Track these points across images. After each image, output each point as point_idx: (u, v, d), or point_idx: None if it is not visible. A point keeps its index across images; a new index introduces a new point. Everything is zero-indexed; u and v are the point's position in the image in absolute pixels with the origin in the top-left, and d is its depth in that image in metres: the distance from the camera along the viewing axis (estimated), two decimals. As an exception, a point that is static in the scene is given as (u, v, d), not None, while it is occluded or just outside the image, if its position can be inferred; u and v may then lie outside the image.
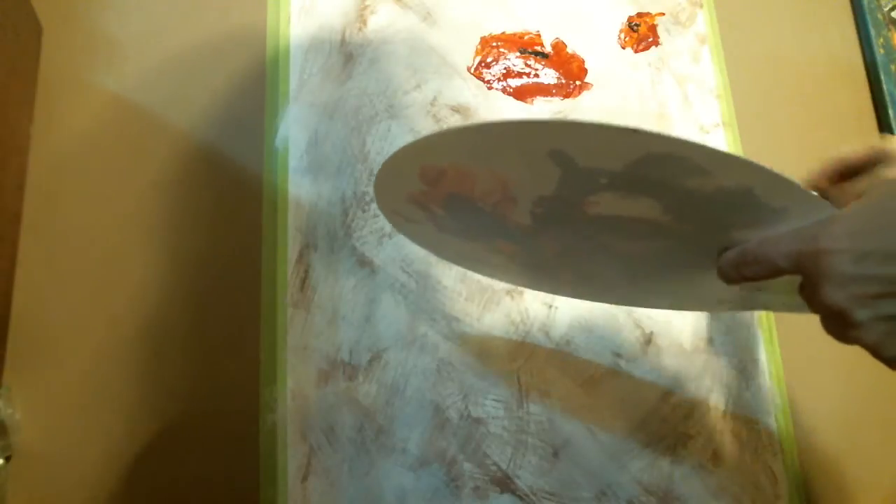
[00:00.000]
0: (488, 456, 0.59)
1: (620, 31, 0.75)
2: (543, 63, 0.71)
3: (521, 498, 0.59)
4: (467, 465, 0.59)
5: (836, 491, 0.71)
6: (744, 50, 0.81)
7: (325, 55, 0.65)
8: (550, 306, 0.64)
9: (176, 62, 0.62)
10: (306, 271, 0.59)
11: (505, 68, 0.70)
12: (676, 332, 0.68)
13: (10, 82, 0.53)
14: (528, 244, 0.44)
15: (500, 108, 0.68)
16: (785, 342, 0.72)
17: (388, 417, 0.58)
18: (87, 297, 0.56)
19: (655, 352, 0.67)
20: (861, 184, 0.48)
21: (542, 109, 0.70)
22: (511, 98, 0.69)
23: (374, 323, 0.60)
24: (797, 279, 0.36)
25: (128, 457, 0.53)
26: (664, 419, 0.65)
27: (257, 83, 0.62)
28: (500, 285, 0.63)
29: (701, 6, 0.80)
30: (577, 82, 0.72)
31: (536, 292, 0.64)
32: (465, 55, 0.69)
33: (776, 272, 0.36)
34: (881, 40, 0.87)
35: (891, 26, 0.88)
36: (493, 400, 0.61)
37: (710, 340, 0.69)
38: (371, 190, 0.62)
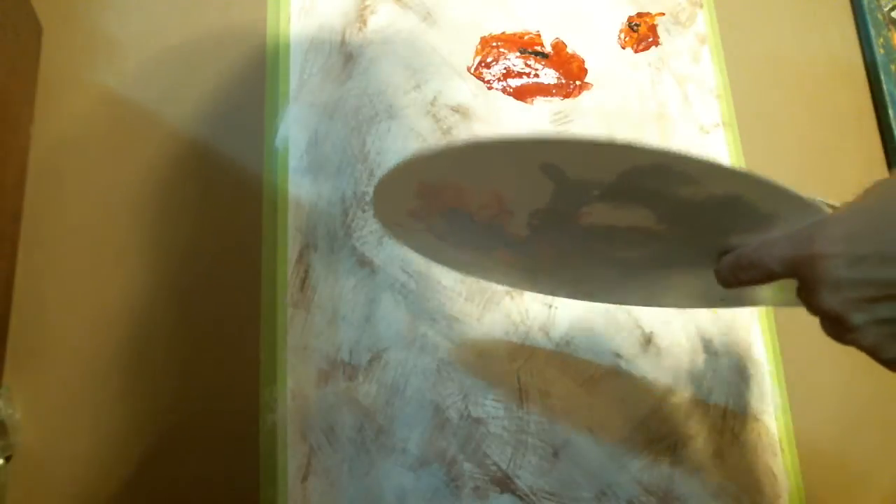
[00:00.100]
0: (488, 456, 0.59)
1: (620, 31, 0.75)
2: (543, 63, 0.71)
3: (521, 498, 0.59)
4: (467, 465, 0.59)
5: (836, 491, 0.71)
6: (744, 50, 0.81)
7: (325, 55, 0.65)
8: (550, 306, 0.64)
9: (176, 62, 0.62)
10: (306, 271, 0.59)
11: (505, 68, 0.70)
12: (676, 332, 0.68)
13: (10, 82, 0.53)
14: (527, 252, 0.45)
15: (500, 107, 0.68)
16: (785, 342, 0.72)
17: (388, 417, 0.58)
18: (86, 296, 0.56)
19: (655, 352, 0.67)
20: None
21: (542, 109, 0.70)
22: (511, 98, 0.69)
23: (374, 323, 0.60)
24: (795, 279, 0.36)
25: (128, 457, 0.53)
26: (664, 419, 0.65)
27: (257, 83, 0.62)
28: (500, 285, 0.63)
29: (701, 6, 0.80)
30: (577, 82, 0.72)
31: (536, 293, 0.64)
32: (465, 55, 0.69)
33: (772, 277, 0.36)
34: (881, 40, 0.87)
35: (891, 26, 0.88)
36: (493, 400, 0.61)
37: (710, 340, 0.69)
38: (371, 190, 0.62)
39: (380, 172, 0.63)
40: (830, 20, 0.89)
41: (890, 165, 0.84)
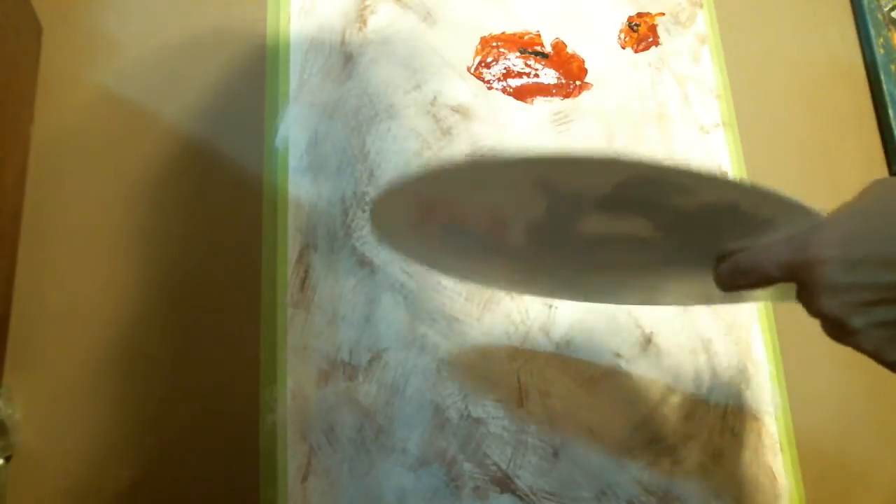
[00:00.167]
0: (488, 456, 0.59)
1: (620, 31, 0.75)
2: (543, 63, 0.71)
3: (521, 498, 0.59)
4: (467, 465, 0.59)
5: (836, 491, 0.71)
6: (744, 50, 0.81)
7: (325, 55, 0.65)
8: (550, 307, 0.64)
9: (176, 62, 0.62)
10: (306, 271, 0.59)
11: (505, 68, 0.70)
12: (676, 332, 0.68)
13: (10, 82, 0.53)
14: (525, 260, 0.45)
15: (500, 107, 0.68)
16: (785, 342, 0.72)
17: (388, 417, 0.58)
18: (87, 296, 0.56)
19: (655, 352, 0.67)
20: None
21: (542, 109, 0.70)
22: (511, 98, 0.69)
23: (374, 323, 0.60)
24: None
25: (128, 457, 0.53)
26: (664, 419, 0.65)
27: (257, 83, 0.62)
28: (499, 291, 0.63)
29: (701, 6, 0.80)
30: (577, 82, 0.72)
31: (536, 292, 0.64)
32: (465, 55, 0.69)
33: (770, 281, 0.36)
34: (881, 40, 0.87)
35: (891, 26, 0.88)
36: (493, 400, 0.61)
37: (710, 340, 0.69)
38: (371, 190, 0.62)
39: (379, 172, 0.63)
40: (830, 20, 0.89)
41: (890, 165, 0.84)
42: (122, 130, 0.59)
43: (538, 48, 0.71)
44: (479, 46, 0.69)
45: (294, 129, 0.62)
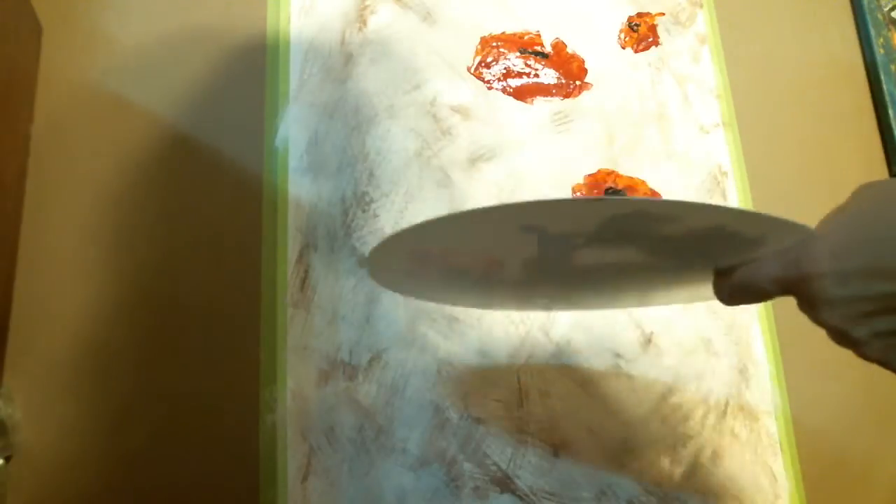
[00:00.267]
0: (488, 456, 0.59)
1: (620, 31, 0.75)
2: (543, 63, 0.71)
3: (521, 498, 0.59)
4: (467, 465, 0.59)
5: (837, 491, 0.71)
6: (744, 50, 0.81)
7: (325, 55, 0.65)
8: (548, 312, 0.64)
9: (176, 62, 0.62)
10: (306, 271, 0.59)
11: (505, 68, 0.70)
12: (676, 332, 0.68)
13: (10, 82, 0.53)
14: (524, 288, 0.46)
15: (500, 107, 0.68)
16: (785, 342, 0.72)
17: (388, 417, 0.58)
18: (87, 297, 0.56)
19: (655, 352, 0.67)
20: None
21: (542, 109, 0.70)
22: (511, 98, 0.69)
23: (374, 323, 0.60)
24: None
25: (128, 457, 0.53)
26: (664, 419, 0.65)
27: (257, 83, 0.62)
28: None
29: (701, 6, 0.80)
30: (577, 82, 0.72)
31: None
32: (465, 55, 0.69)
33: (768, 296, 0.36)
34: (881, 40, 0.87)
35: (891, 26, 0.88)
36: (493, 400, 0.61)
37: (710, 340, 0.69)
38: (371, 190, 0.62)
39: (379, 172, 0.63)
40: (830, 20, 0.89)
41: (890, 165, 0.84)
42: (122, 130, 0.59)
43: (538, 48, 0.71)
44: (479, 46, 0.69)
45: (294, 129, 0.62)
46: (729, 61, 0.79)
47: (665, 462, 0.64)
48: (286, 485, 0.54)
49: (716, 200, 0.73)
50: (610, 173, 0.70)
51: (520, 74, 0.70)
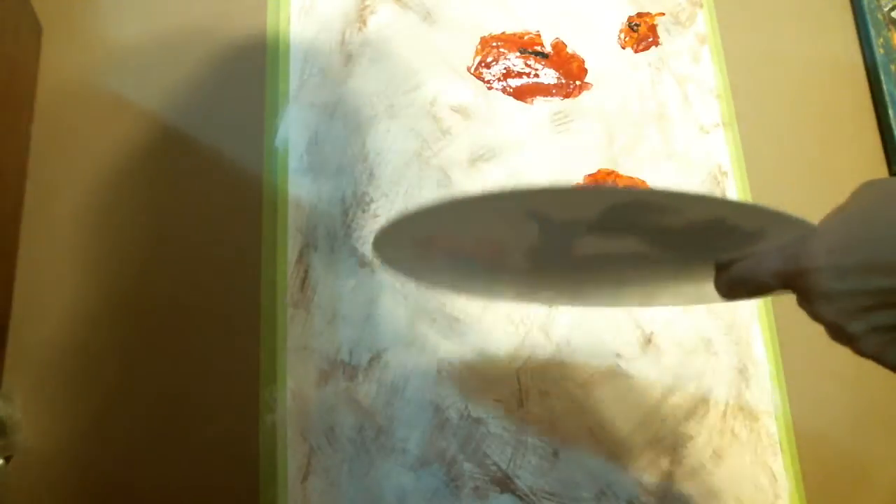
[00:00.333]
0: (488, 456, 0.59)
1: (620, 31, 0.75)
2: (543, 63, 0.71)
3: (521, 498, 0.59)
4: (467, 465, 0.59)
5: (837, 491, 0.71)
6: (744, 50, 0.81)
7: (325, 55, 0.65)
8: (550, 307, 0.64)
9: (176, 62, 0.62)
10: (306, 271, 0.59)
11: (505, 68, 0.70)
12: (676, 332, 0.68)
13: (10, 82, 0.53)
14: (528, 277, 0.46)
15: (500, 107, 0.68)
16: (785, 342, 0.72)
17: (388, 418, 0.58)
18: (86, 297, 0.56)
19: (655, 352, 0.67)
20: None
21: (542, 109, 0.70)
22: (511, 98, 0.69)
23: (374, 323, 0.60)
24: None
25: (128, 457, 0.53)
26: (664, 419, 0.65)
27: (257, 83, 0.62)
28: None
29: (701, 6, 0.80)
30: (577, 82, 0.72)
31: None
32: (465, 55, 0.69)
33: (768, 290, 0.36)
34: (881, 40, 0.87)
35: (891, 26, 0.88)
36: (493, 400, 0.61)
37: (710, 340, 0.69)
38: (371, 190, 0.62)
39: (379, 172, 0.63)
40: (830, 20, 0.89)
41: (890, 165, 0.84)
42: (121, 130, 0.59)
43: (538, 48, 0.71)
44: (479, 46, 0.69)
45: (294, 129, 0.62)
46: (729, 61, 0.79)
47: (665, 462, 0.64)
48: (286, 485, 0.54)
49: (716, 200, 0.73)
50: (610, 173, 0.70)
51: (520, 74, 0.70)
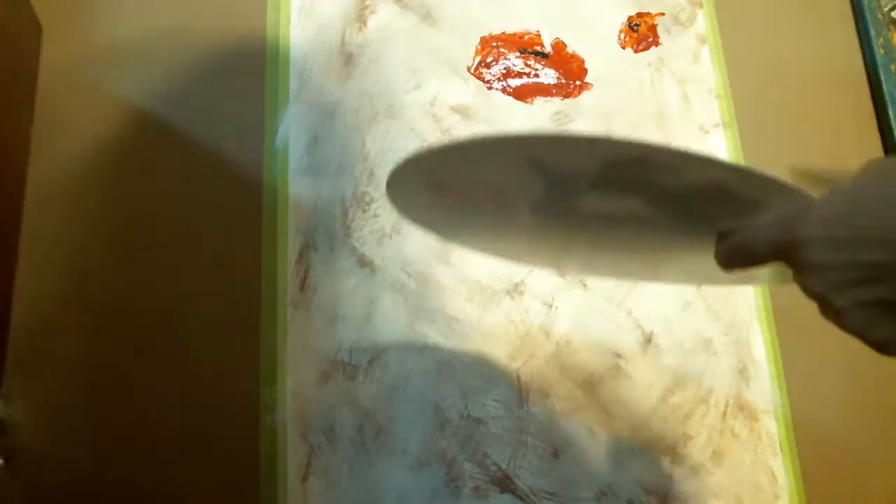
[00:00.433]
0: (488, 456, 0.59)
1: (620, 31, 0.75)
2: (543, 63, 0.71)
3: (521, 498, 0.59)
4: (467, 465, 0.59)
5: (837, 491, 0.71)
6: (744, 50, 0.81)
7: (325, 55, 0.65)
8: (550, 306, 0.64)
9: (176, 62, 0.62)
10: (306, 271, 0.59)
11: (505, 68, 0.70)
12: (676, 332, 0.68)
13: (10, 82, 0.53)
14: (535, 234, 0.46)
15: (500, 107, 0.68)
16: (785, 342, 0.72)
17: (388, 418, 0.58)
18: (86, 297, 0.56)
19: (655, 352, 0.67)
20: None
21: (542, 109, 0.70)
22: (511, 98, 0.69)
23: (374, 323, 0.60)
24: None
25: (128, 457, 0.53)
26: (664, 419, 0.65)
27: (257, 83, 0.62)
28: (499, 285, 0.63)
29: (701, 6, 0.80)
30: (577, 82, 0.72)
31: (536, 292, 0.64)
32: (465, 55, 0.69)
33: (764, 260, 0.36)
34: (881, 41, 0.87)
35: (891, 26, 0.88)
36: (493, 400, 0.61)
37: (710, 340, 0.69)
38: (371, 190, 0.62)
39: (379, 172, 0.63)
40: (830, 20, 0.89)
41: (890, 165, 0.84)
42: (121, 130, 0.59)
43: (538, 48, 0.71)
44: (479, 46, 0.69)
45: (294, 129, 0.62)
46: (729, 61, 0.79)
47: (665, 462, 0.64)
48: (286, 485, 0.54)
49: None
50: (610, 173, 0.70)
51: (520, 74, 0.70)
